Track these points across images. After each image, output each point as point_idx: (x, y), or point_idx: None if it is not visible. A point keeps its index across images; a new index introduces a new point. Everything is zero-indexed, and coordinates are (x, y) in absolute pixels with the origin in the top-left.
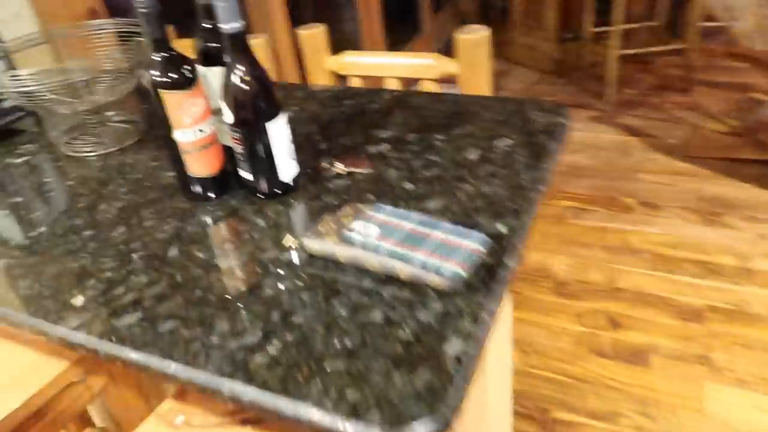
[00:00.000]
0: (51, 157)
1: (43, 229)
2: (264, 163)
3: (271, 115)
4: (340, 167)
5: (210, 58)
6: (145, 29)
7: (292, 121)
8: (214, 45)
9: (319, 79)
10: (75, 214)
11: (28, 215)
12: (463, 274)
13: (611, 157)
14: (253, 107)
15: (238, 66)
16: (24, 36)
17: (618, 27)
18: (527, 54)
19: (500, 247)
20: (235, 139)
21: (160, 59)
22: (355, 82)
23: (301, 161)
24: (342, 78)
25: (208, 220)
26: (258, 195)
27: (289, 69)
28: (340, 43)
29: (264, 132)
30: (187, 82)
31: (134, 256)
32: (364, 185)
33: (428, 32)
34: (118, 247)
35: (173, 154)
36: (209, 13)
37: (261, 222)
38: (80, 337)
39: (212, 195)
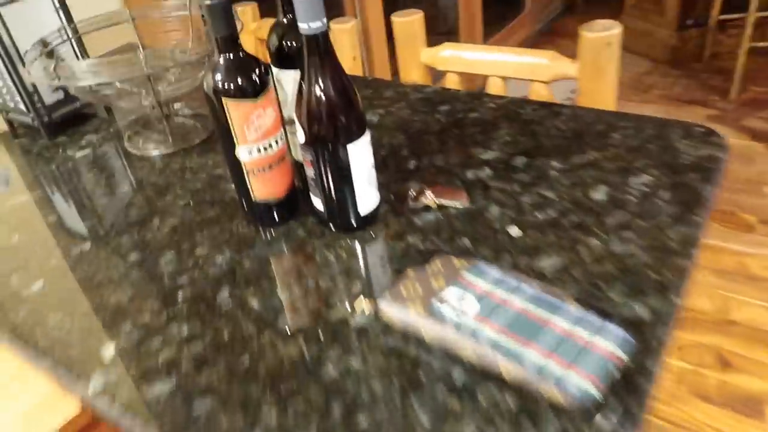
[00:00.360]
0: (112, 154)
1: (86, 246)
2: (339, 192)
3: (352, 137)
4: (430, 197)
5: (286, 59)
6: (209, 25)
7: (376, 128)
8: (292, 43)
9: (412, 73)
10: (124, 229)
11: (75, 227)
12: (595, 394)
13: (731, 164)
14: (330, 126)
15: (316, 75)
16: (99, 16)
17: (754, 15)
18: (639, 40)
19: (641, 341)
20: (307, 160)
21: (225, 62)
22: (452, 78)
23: (384, 183)
24: (432, 71)
25: (269, 253)
26: (330, 227)
27: (380, 59)
28: (434, 20)
29: (342, 156)
30: (255, 91)
31: (179, 294)
32: (459, 225)
33: (530, 10)
34: (163, 280)
35: (235, 169)
36: (288, 4)
37: (331, 263)
38: (103, 402)
39: (276, 220)
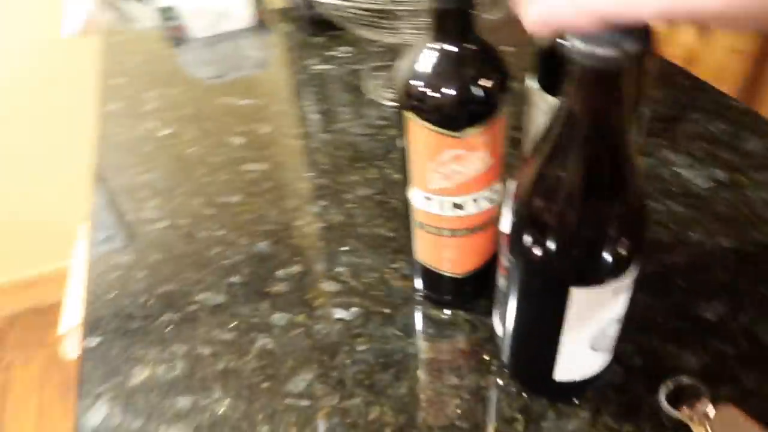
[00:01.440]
0: (347, 83)
1: (236, 198)
2: (536, 348)
3: (592, 277)
4: (702, 417)
5: (552, 74)
6: None
7: (692, 206)
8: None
9: None
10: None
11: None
12: None
13: None
14: (561, 244)
15: (572, 140)
16: None
17: None
18: None
19: None
20: (503, 265)
21: (432, 53)
22: None
23: (636, 321)
24: None
25: (401, 354)
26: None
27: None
28: None
29: (561, 299)
30: (463, 119)
31: (255, 343)
32: None
33: None
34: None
35: (405, 205)
36: None
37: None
38: None
39: (437, 300)
